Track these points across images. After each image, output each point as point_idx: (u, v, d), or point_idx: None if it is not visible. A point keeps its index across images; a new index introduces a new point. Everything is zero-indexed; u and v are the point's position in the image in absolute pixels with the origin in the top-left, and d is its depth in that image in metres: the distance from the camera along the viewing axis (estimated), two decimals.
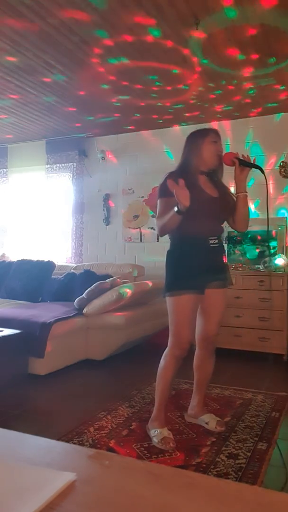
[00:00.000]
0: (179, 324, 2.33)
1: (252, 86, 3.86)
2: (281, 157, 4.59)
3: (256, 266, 4.40)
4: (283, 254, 4.41)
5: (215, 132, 2.45)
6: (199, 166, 2.37)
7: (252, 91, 3.98)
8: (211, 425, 2.48)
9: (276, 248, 4.51)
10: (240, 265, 4.45)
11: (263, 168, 2.54)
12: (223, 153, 2.40)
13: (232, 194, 2.46)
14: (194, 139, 2.42)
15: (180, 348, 2.35)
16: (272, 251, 4.52)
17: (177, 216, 2.19)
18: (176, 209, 2.16)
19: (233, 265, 4.46)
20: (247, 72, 3.56)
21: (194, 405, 2.62)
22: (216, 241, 2.36)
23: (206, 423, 2.51)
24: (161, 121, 4.90)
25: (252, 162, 2.37)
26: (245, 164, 2.34)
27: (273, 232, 4.56)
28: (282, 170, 4.54)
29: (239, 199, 2.38)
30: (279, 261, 4.24)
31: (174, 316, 2.34)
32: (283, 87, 3.90)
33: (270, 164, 4.65)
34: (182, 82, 3.79)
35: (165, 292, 2.37)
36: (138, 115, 4.69)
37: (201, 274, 2.31)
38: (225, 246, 4.61)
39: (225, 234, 4.72)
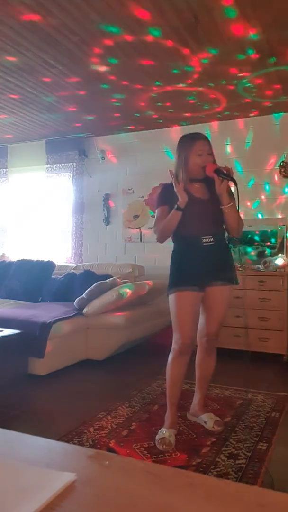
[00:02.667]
0: (179, 320, 2.41)
1: (252, 86, 3.86)
2: (281, 157, 4.59)
3: (256, 266, 4.40)
4: (283, 254, 4.41)
5: (201, 141, 2.43)
6: (188, 176, 2.43)
7: (252, 91, 3.98)
8: (209, 425, 2.49)
9: (276, 248, 4.50)
10: (240, 265, 4.45)
11: (264, 168, 2.53)
12: (206, 165, 2.40)
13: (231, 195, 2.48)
14: (182, 149, 2.46)
15: (179, 343, 2.40)
16: (269, 251, 4.52)
17: (176, 213, 2.36)
18: (176, 206, 2.34)
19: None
20: (247, 72, 3.56)
21: (195, 403, 2.64)
22: (211, 239, 2.39)
23: (205, 422, 2.52)
24: (161, 121, 4.90)
25: (229, 174, 2.37)
26: (222, 176, 2.35)
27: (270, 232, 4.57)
28: (282, 170, 4.54)
29: (223, 212, 2.40)
30: (279, 261, 4.24)
31: (173, 313, 2.43)
32: (283, 87, 3.90)
33: (270, 164, 4.65)
34: (182, 82, 3.78)
35: (167, 291, 2.47)
36: (138, 115, 4.69)
37: (197, 272, 2.39)
38: None
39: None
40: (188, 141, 2.45)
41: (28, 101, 4.24)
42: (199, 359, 2.62)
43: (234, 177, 2.38)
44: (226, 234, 2.53)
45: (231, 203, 2.38)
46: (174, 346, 2.43)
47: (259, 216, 4.70)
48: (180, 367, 2.42)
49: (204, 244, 2.39)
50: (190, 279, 2.39)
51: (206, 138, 2.48)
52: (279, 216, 4.60)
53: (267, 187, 4.67)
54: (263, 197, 4.69)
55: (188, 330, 2.40)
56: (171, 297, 2.42)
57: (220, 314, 2.50)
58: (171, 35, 2.98)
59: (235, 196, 2.39)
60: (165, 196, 2.48)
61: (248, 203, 4.73)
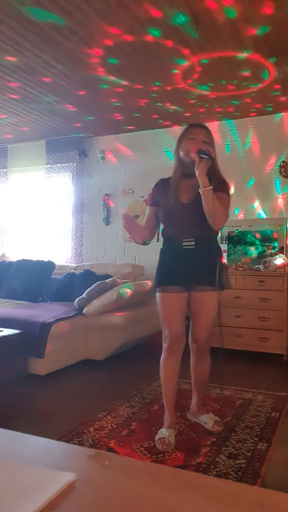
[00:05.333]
0: (164, 318, 2.42)
1: (252, 86, 3.86)
2: (281, 157, 4.59)
3: (256, 266, 4.39)
4: (283, 254, 4.41)
5: (198, 128, 2.36)
6: (181, 168, 2.37)
7: (252, 91, 3.98)
8: (209, 425, 2.49)
9: (276, 248, 4.51)
10: (240, 265, 4.45)
11: (264, 168, 2.48)
12: (191, 148, 2.27)
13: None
14: (179, 137, 2.40)
15: (168, 340, 2.40)
16: (267, 252, 4.52)
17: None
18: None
19: (233, 265, 4.46)
20: (247, 72, 3.56)
21: (193, 404, 2.63)
22: (192, 243, 2.32)
23: (205, 423, 2.52)
24: (161, 121, 4.90)
25: (207, 152, 2.23)
26: (201, 155, 2.22)
27: (275, 232, 4.57)
28: (282, 170, 4.54)
29: (201, 195, 2.23)
30: (279, 261, 4.24)
31: (160, 312, 2.44)
32: (283, 87, 3.90)
33: (270, 164, 4.65)
34: (182, 82, 3.79)
35: (153, 290, 2.49)
36: (138, 115, 4.69)
37: (178, 274, 2.36)
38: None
39: (224, 235, 4.71)
40: (185, 128, 2.40)
41: (28, 101, 4.24)
42: (192, 364, 2.58)
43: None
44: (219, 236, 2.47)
45: (210, 187, 2.20)
46: (164, 344, 2.43)
47: (259, 216, 4.70)
48: (172, 366, 2.41)
49: (184, 247, 2.34)
50: (171, 280, 2.37)
51: (205, 127, 2.37)
52: (279, 216, 4.60)
53: (267, 187, 4.67)
54: (263, 197, 4.69)
55: (175, 326, 2.38)
56: (157, 296, 2.43)
57: (206, 320, 2.43)
58: (171, 35, 2.98)
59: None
60: (154, 196, 2.47)
61: (248, 203, 4.74)
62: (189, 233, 2.34)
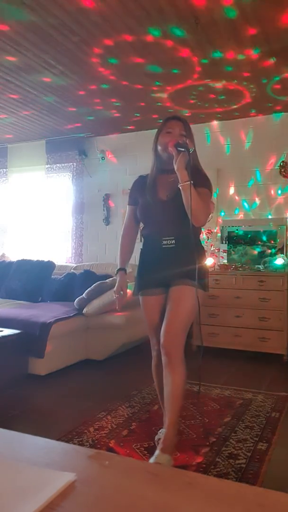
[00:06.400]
0: (149, 326, 2.34)
1: (252, 86, 3.86)
2: (281, 157, 4.59)
3: (256, 266, 4.40)
4: (283, 254, 4.41)
5: (174, 121, 2.27)
6: (158, 164, 2.28)
7: (252, 91, 3.98)
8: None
9: (276, 248, 4.51)
10: (240, 265, 4.45)
11: (264, 168, 2.45)
12: (168, 141, 2.16)
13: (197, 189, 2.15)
14: (156, 133, 2.30)
15: (155, 349, 2.33)
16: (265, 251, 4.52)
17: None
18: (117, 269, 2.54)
19: (233, 265, 4.46)
20: (247, 72, 3.56)
21: (160, 436, 2.21)
22: (173, 241, 2.20)
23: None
24: (161, 121, 4.88)
25: (184, 145, 2.10)
26: (179, 149, 2.11)
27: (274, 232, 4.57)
28: (282, 170, 4.54)
29: (181, 190, 2.09)
30: (279, 261, 4.24)
31: (144, 317, 2.37)
32: (283, 87, 3.90)
33: (270, 164, 4.65)
34: (182, 82, 3.79)
35: (133, 292, 2.41)
36: (138, 115, 4.69)
37: (157, 274, 2.25)
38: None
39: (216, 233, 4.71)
40: (162, 121, 2.31)
41: (28, 101, 4.24)
42: (164, 373, 2.18)
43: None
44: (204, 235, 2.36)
45: (189, 181, 2.06)
46: (153, 352, 2.36)
47: (259, 216, 4.70)
48: (160, 370, 2.32)
49: (164, 246, 2.22)
50: (152, 282, 2.27)
51: (182, 119, 2.27)
52: (279, 216, 4.60)
53: (267, 187, 4.67)
54: (263, 197, 4.69)
55: (156, 334, 2.27)
56: (140, 300, 2.35)
57: (173, 317, 2.14)
58: (171, 35, 2.98)
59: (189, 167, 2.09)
60: (132, 194, 2.37)
61: (248, 203, 4.74)
62: (169, 231, 2.20)
